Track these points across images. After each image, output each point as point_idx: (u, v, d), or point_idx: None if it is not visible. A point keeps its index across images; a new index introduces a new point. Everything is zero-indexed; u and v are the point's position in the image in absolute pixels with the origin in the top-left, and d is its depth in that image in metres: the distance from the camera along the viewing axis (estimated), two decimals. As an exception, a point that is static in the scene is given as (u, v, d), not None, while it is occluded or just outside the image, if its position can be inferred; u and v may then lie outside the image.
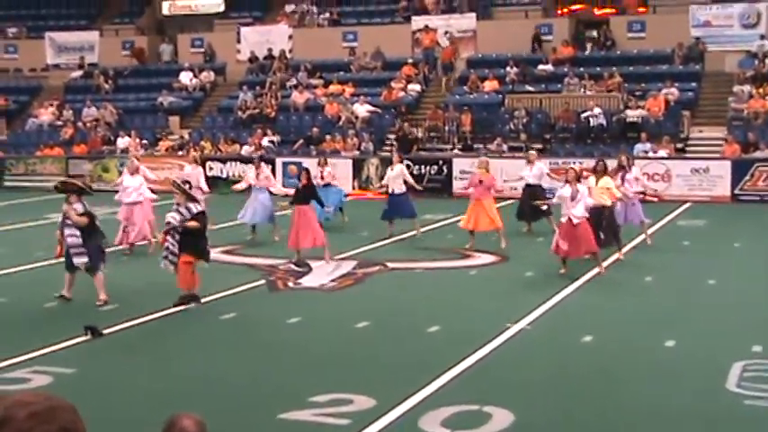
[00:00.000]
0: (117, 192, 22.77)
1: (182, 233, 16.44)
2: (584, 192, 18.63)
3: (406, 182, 23.81)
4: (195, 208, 16.47)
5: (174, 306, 15.99)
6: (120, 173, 27.80)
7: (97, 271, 16.53)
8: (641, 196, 22.66)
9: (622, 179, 21.58)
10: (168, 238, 16.58)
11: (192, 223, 16.31)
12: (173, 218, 16.55)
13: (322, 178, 24.53)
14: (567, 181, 18.69)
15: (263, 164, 24.89)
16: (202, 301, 16.46)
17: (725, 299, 16.72)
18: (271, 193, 23.85)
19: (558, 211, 20.51)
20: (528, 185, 24.49)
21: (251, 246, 22.82)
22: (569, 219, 18.36)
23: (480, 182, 21.94)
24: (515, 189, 26.01)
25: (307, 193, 20.29)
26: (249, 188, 23.97)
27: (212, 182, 29.65)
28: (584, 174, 20.01)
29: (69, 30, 49.58)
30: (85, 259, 16.39)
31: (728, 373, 11.89)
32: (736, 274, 18.95)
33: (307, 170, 21.20)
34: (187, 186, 17.23)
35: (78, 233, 16.37)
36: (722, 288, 17.66)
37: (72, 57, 48.20)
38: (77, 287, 17.62)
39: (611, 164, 22.02)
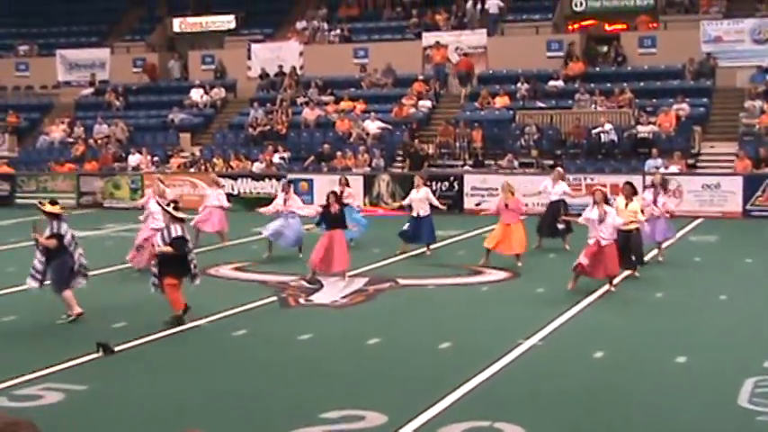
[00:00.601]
0: (129, 209, 22.70)
1: (160, 257, 16.50)
2: (613, 213, 18.57)
3: (431, 204, 23.74)
4: (175, 231, 16.47)
5: (168, 327, 15.98)
6: (134, 190, 27.86)
7: (62, 291, 16.50)
8: (667, 215, 22.63)
9: (654, 199, 21.60)
10: (152, 261, 16.73)
11: (166, 249, 16.33)
12: (156, 242, 16.72)
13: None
14: (594, 202, 18.60)
15: (291, 187, 24.58)
16: (213, 318, 16.45)
17: (736, 314, 16.68)
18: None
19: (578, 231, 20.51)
20: (552, 202, 24.45)
21: (263, 262, 22.82)
22: (597, 241, 18.29)
23: (506, 206, 21.82)
24: (526, 205, 25.99)
25: (337, 218, 20.26)
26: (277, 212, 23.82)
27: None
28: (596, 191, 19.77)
29: (80, 47, 49.73)
30: (36, 285, 16.52)
31: (740, 388, 11.86)
32: (748, 290, 18.91)
33: (336, 194, 21.07)
34: (172, 207, 17.14)
35: (42, 257, 16.40)
36: (734, 304, 17.63)
37: (83, 74, 48.35)
38: (86, 305, 17.66)
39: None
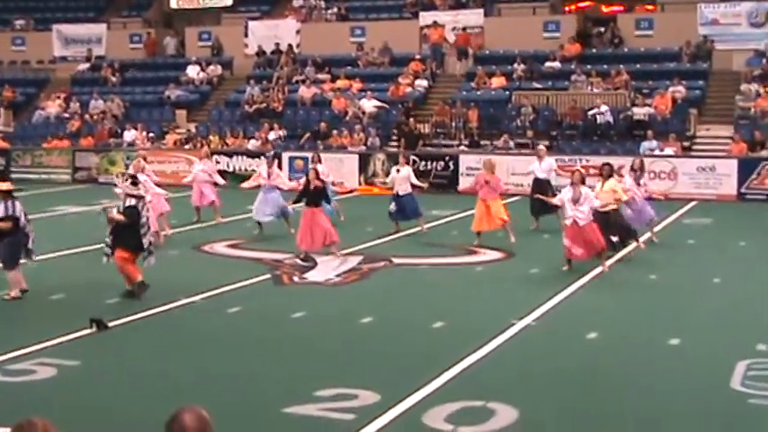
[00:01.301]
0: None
1: (114, 227, 16.55)
2: (589, 193, 18.60)
3: (412, 183, 23.75)
4: (129, 202, 16.52)
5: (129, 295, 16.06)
6: (127, 166, 27.80)
7: (10, 269, 16.42)
8: (661, 197, 22.66)
9: (637, 182, 21.61)
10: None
11: (118, 216, 16.42)
12: (111, 211, 16.90)
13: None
14: (571, 183, 18.67)
15: (275, 162, 24.50)
16: (207, 295, 16.47)
17: (730, 297, 16.72)
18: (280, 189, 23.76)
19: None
20: (536, 180, 24.57)
21: (256, 240, 22.83)
22: (574, 221, 18.36)
23: (486, 182, 21.87)
24: (521, 186, 25.98)
25: (317, 194, 20.20)
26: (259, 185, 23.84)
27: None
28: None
29: (77, 22, 49.62)
30: None
31: (733, 371, 11.89)
32: (742, 273, 18.94)
33: (315, 170, 21.02)
34: (129, 182, 17.10)
35: None
36: (727, 287, 17.66)
37: (79, 49, 48.22)
38: (80, 281, 17.72)
39: (617, 165, 21.93)
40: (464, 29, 41.39)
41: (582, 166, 24.42)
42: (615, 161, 22.77)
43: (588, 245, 18.39)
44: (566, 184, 19.83)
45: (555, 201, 19.31)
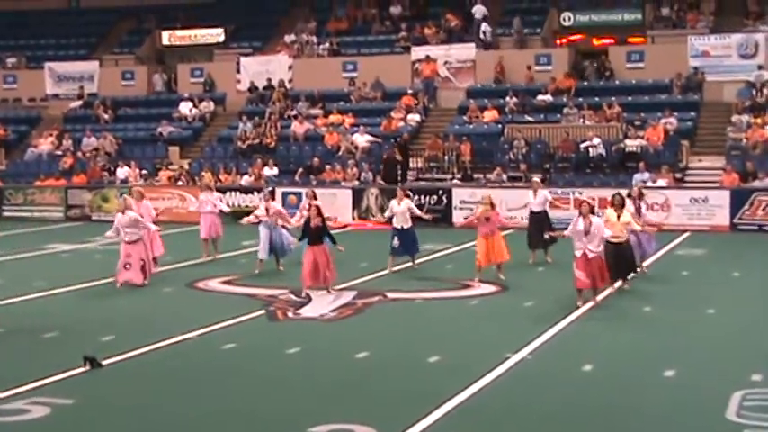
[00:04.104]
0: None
1: None
2: (600, 225, 18.59)
3: (413, 215, 23.70)
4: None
5: None
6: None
7: None
8: (654, 229, 22.70)
9: (638, 210, 21.62)
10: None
11: None
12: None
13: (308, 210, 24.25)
14: (580, 215, 18.59)
15: (272, 198, 24.41)
16: (202, 332, 16.44)
17: (724, 328, 16.71)
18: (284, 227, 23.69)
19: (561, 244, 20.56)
20: (533, 213, 24.56)
21: (250, 276, 22.79)
22: (584, 253, 18.32)
23: (487, 219, 21.79)
24: (515, 218, 26.00)
25: (318, 232, 20.19)
26: (259, 222, 23.76)
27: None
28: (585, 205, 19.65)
29: (69, 60, 49.78)
30: None
31: (728, 402, 11.86)
32: (736, 304, 18.95)
33: (316, 207, 20.87)
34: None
35: None
36: (721, 317, 17.65)
37: (71, 87, 48.34)
38: (73, 319, 17.70)
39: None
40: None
41: (575, 199, 24.41)
42: (608, 193, 22.72)
43: (593, 277, 18.37)
44: (566, 217, 19.78)
45: (565, 233, 19.17)
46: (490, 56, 42.23)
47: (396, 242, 23.36)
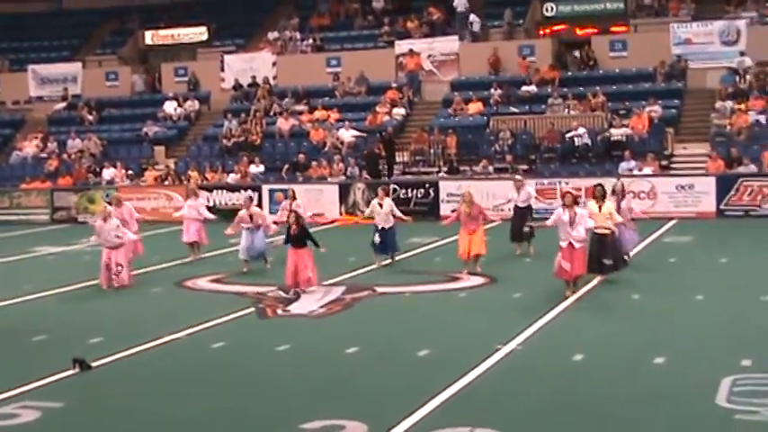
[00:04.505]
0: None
1: None
2: (584, 215, 18.63)
3: (394, 215, 23.68)
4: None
5: None
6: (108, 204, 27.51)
7: None
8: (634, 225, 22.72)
9: (618, 206, 21.56)
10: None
11: None
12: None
13: (290, 211, 24.17)
14: (564, 205, 18.64)
15: (252, 204, 24.32)
16: (191, 331, 16.42)
17: (712, 314, 16.75)
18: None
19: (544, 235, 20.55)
20: (517, 207, 24.57)
21: (239, 274, 22.77)
22: (570, 243, 18.36)
23: (468, 215, 21.82)
24: (502, 210, 25.99)
25: (298, 237, 20.18)
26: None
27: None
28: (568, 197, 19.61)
29: (52, 62, 49.63)
30: None
31: (718, 387, 11.89)
32: (724, 290, 18.99)
33: (297, 214, 20.79)
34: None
35: None
36: (709, 304, 17.70)
37: (55, 89, 48.21)
38: (61, 321, 17.66)
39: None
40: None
41: (561, 189, 24.43)
42: (594, 183, 22.71)
43: (575, 266, 18.43)
44: (550, 208, 19.79)
45: (548, 222, 19.19)
46: (475, 48, 42.23)
47: (377, 239, 23.34)
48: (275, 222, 24.33)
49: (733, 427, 10.72)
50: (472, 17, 42.79)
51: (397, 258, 23.65)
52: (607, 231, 19.51)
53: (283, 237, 21.16)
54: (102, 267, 21.47)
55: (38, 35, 52.56)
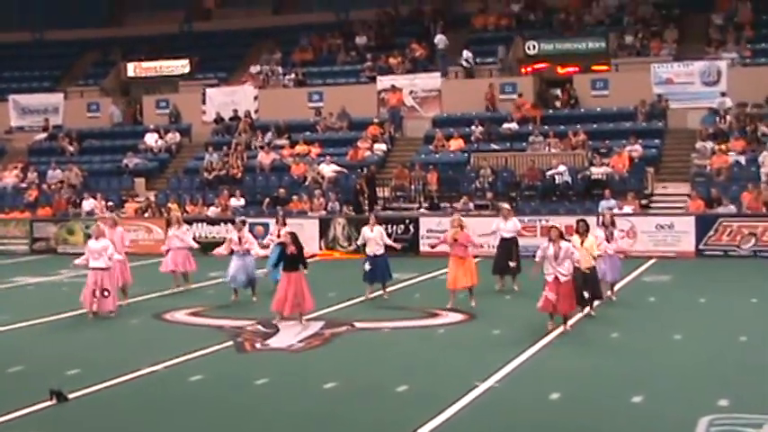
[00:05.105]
0: (83, 254, 22.28)
1: None
2: (569, 248, 18.68)
3: (385, 244, 23.69)
4: None
5: None
6: (88, 236, 27.44)
7: None
8: (621, 256, 22.83)
9: (608, 237, 21.71)
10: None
11: None
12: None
13: (278, 236, 24.20)
14: (550, 240, 18.70)
15: (245, 227, 24.29)
16: (169, 364, 16.35)
17: (691, 354, 16.77)
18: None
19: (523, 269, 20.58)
20: (504, 239, 24.54)
21: (218, 307, 22.71)
22: (556, 277, 18.41)
23: (455, 240, 21.88)
24: (483, 247, 25.99)
25: (294, 259, 20.14)
26: (232, 252, 23.72)
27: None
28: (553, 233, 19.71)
29: (33, 92, 49.63)
30: None
31: (695, 428, 11.91)
32: (702, 330, 19.04)
33: (294, 235, 20.77)
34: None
35: None
36: (688, 343, 17.72)
37: (36, 119, 48.21)
38: (38, 352, 17.58)
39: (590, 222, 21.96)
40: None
41: (543, 226, 24.50)
42: (574, 221, 22.79)
43: (562, 303, 18.46)
44: (532, 245, 19.83)
45: (537, 258, 19.22)
46: (456, 85, 42.43)
47: (367, 267, 23.34)
48: (262, 246, 24.16)
49: (710, 466, 10.73)
50: (465, 53, 42.95)
51: (383, 293, 23.58)
52: (588, 267, 19.63)
53: (269, 266, 21.08)
54: (87, 290, 21.36)
55: (19, 65, 52.59)
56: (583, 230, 20.17)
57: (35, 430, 12.48)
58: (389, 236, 29.64)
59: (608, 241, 21.73)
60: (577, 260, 19.03)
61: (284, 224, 25.12)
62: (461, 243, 21.86)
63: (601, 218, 23.15)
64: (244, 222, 24.67)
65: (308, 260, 20.89)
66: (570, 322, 18.95)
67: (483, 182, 35.90)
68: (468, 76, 42.92)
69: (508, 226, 24.61)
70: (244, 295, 23.44)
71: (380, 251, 23.39)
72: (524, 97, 40.99)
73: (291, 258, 20.09)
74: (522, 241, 25.94)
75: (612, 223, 22.39)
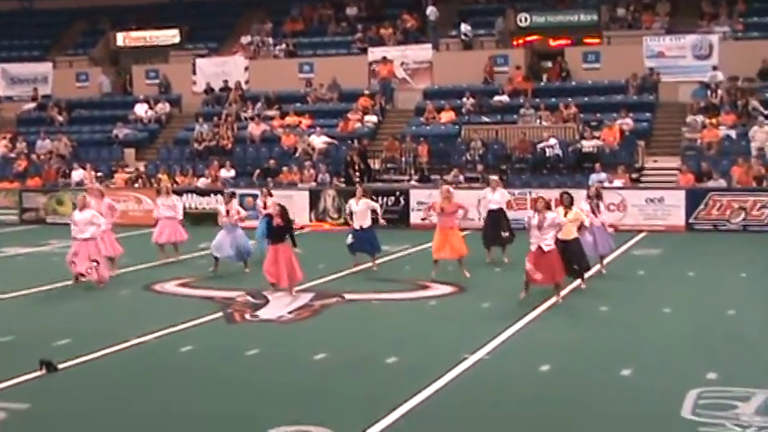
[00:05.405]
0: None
1: None
2: (554, 217, 18.71)
3: (373, 210, 23.64)
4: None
5: None
6: (74, 206, 27.38)
7: None
8: (611, 229, 22.84)
9: (594, 209, 21.75)
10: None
11: None
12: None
13: (265, 207, 24.20)
14: (536, 210, 18.74)
15: (233, 200, 24.22)
16: (159, 334, 16.35)
17: (680, 327, 16.82)
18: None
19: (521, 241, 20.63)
20: (491, 211, 24.53)
21: (208, 278, 22.71)
22: (539, 247, 18.46)
23: (443, 210, 21.90)
24: (473, 220, 25.93)
25: (280, 231, 20.09)
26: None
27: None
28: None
29: (22, 61, 49.36)
30: None
31: (683, 400, 11.95)
32: (691, 303, 19.08)
33: (282, 207, 20.65)
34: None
35: None
36: (677, 316, 17.78)
37: (25, 88, 47.95)
38: (28, 323, 17.57)
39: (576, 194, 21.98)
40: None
41: (537, 195, 24.44)
42: (571, 191, 22.80)
43: (549, 271, 18.50)
44: (520, 218, 19.88)
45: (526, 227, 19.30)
46: (447, 57, 42.34)
47: (350, 239, 23.35)
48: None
49: (698, 439, 10.77)
50: (464, 26, 42.80)
51: (373, 265, 23.57)
52: (569, 237, 19.67)
53: (257, 237, 21.10)
54: (69, 257, 21.37)
55: (8, 34, 52.25)
56: (567, 203, 20.27)
57: (25, 400, 12.47)
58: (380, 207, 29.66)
59: (594, 214, 21.76)
60: (564, 223, 19.11)
61: (270, 195, 25.09)
62: (449, 213, 21.89)
63: (587, 190, 23.18)
64: (233, 195, 24.60)
65: (299, 231, 20.88)
66: (563, 293, 19.00)
67: (474, 154, 35.87)
68: (467, 47, 42.77)
69: (496, 197, 24.60)
70: (233, 266, 23.41)
71: (366, 224, 23.34)
72: (516, 70, 40.88)
73: (278, 230, 20.04)
74: (512, 214, 25.96)
75: (598, 195, 22.43)
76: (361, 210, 23.40)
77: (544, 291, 18.93)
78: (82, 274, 21.32)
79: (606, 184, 31.80)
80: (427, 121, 39.25)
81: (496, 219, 24.33)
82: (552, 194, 26.65)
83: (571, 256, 19.74)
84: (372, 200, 25.21)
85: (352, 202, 23.84)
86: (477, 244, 24.39)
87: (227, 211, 23.34)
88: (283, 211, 20.30)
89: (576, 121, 36.92)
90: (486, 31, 43.41)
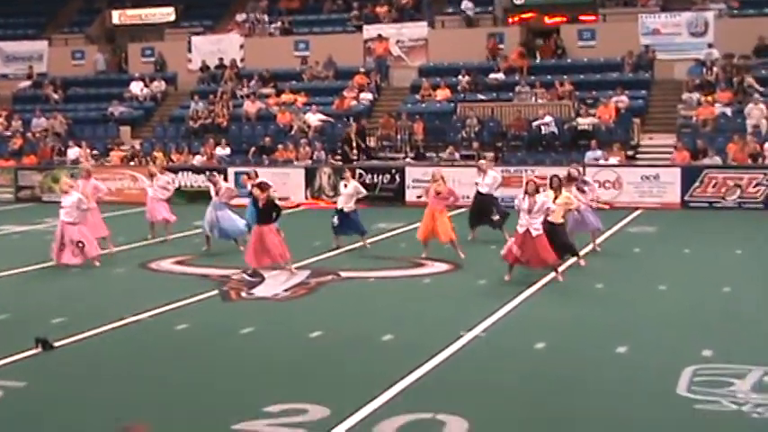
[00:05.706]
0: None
1: None
2: (544, 201, 18.68)
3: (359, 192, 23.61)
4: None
5: None
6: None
7: None
8: (595, 204, 22.79)
9: (580, 189, 21.71)
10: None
11: None
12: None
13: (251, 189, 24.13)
14: (526, 193, 18.71)
15: (219, 179, 24.14)
16: (155, 312, 16.36)
17: (675, 304, 16.85)
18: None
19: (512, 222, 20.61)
20: (479, 194, 24.46)
21: (203, 256, 22.71)
22: (528, 230, 18.44)
23: (438, 194, 21.88)
24: (468, 198, 25.94)
25: (265, 212, 20.02)
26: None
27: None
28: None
29: (17, 39, 49.23)
30: None
31: (679, 377, 11.98)
32: (687, 280, 19.12)
33: (262, 185, 20.63)
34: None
35: None
36: (673, 294, 17.80)
37: (20, 66, 47.87)
38: (24, 301, 17.56)
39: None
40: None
41: (527, 178, 24.45)
42: (560, 171, 22.76)
43: (537, 256, 18.47)
44: (513, 196, 19.89)
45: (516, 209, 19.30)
46: (443, 34, 42.27)
47: (335, 220, 23.31)
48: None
49: (693, 416, 10.80)
50: (465, 3, 42.66)
51: (364, 244, 23.56)
52: (556, 221, 19.67)
53: (248, 219, 21.08)
54: (55, 244, 21.31)
55: (3, 12, 52.04)
56: (556, 186, 20.22)
57: (21, 378, 12.48)
58: (375, 186, 29.69)
59: (581, 192, 21.69)
60: (553, 209, 19.10)
61: (257, 177, 25.07)
62: (444, 196, 21.87)
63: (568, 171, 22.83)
64: (214, 174, 24.56)
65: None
66: (561, 269, 19.03)
67: (469, 132, 35.86)
68: (470, 25, 42.64)
69: (486, 181, 24.41)
70: (226, 245, 23.37)
71: (349, 207, 23.24)
72: (511, 47, 40.83)
73: (261, 211, 19.91)
74: (507, 192, 25.94)
75: (572, 178, 22.05)
76: (349, 192, 23.27)
77: (540, 270, 18.91)
78: (66, 264, 21.17)
79: (602, 162, 31.87)
80: (423, 99, 39.21)
81: (482, 203, 24.16)
82: (548, 172, 26.72)
83: (556, 239, 19.67)
84: (362, 183, 25.12)
85: (341, 184, 23.80)
86: (465, 223, 24.38)
87: (217, 192, 23.22)
88: (264, 187, 20.07)
89: (572, 98, 36.90)
90: (482, 9, 43.26)
